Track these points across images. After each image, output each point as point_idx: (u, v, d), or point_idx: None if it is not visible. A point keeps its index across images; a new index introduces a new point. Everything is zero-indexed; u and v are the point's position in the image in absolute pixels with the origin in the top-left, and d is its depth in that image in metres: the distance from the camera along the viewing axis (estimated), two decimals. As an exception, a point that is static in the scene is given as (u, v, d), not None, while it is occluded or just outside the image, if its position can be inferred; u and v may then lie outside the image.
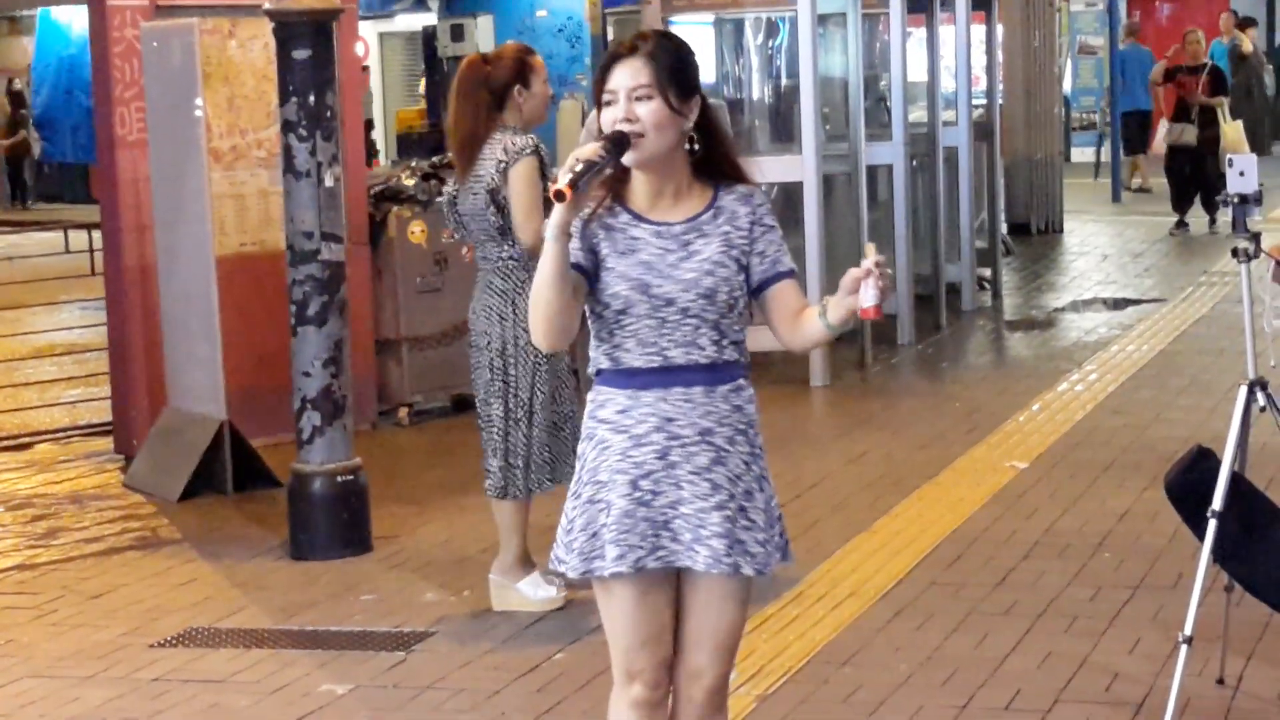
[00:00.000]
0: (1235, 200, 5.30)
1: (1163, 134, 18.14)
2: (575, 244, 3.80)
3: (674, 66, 3.82)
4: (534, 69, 6.56)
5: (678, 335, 3.83)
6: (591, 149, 3.71)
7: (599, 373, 3.92)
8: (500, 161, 6.40)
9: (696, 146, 3.88)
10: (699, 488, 3.85)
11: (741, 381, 3.91)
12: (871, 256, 3.68)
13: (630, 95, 3.79)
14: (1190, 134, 17.67)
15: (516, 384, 6.47)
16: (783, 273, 3.90)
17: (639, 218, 3.87)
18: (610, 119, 3.80)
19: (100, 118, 9.50)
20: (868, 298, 3.67)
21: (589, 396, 3.95)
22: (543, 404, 6.47)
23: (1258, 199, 5.30)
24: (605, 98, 3.82)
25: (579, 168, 3.67)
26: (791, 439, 9.39)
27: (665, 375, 3.84)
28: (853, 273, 3.70)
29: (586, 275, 3.84)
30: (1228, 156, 5.42)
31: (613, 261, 3.82)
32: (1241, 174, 5.30)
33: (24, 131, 29.74)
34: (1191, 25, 20.52)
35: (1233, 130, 16.87)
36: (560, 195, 3.66)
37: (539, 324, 3.81)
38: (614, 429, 3.86)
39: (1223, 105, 17.67)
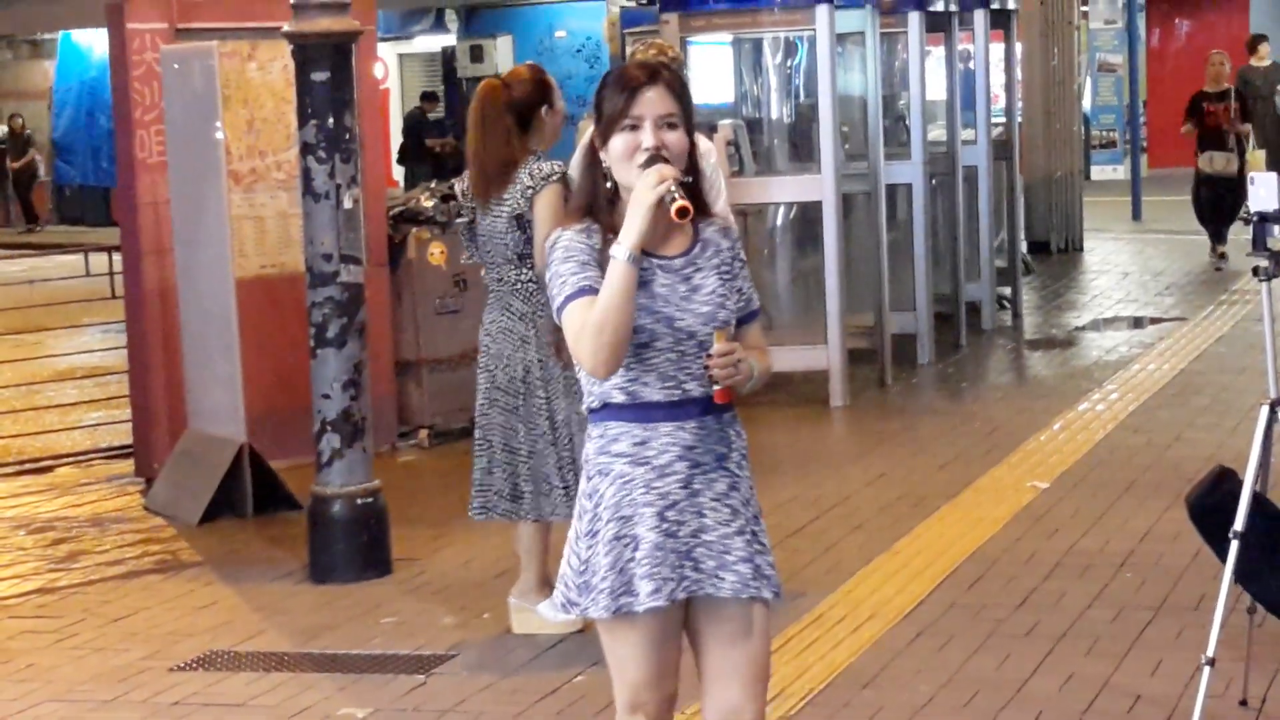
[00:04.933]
0: (1255, 218, 5.29)
1: (1202, 163, 17.32)
2: (596, 274, 3.74)
3: (687, 100, 3.84)
4: (554, 88, 6.61)
5: (694, 368, 3.81)
6: (673, 170, 3.71)
7: (603, 408, 3.84)
8: (528, 188, 6.39)
9: (690, 179, 3.86)
10: (720, 514, 3.83)
11: (735, 409, 3.92)
12: (714, 347, 3.77)
13: (658, 123, 3.78)
14: (1234, 163, 16.90)
15: (548, 405, 6.44)
16: (755, 311, 3.96)
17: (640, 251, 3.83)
18: (634, 143, 3.77)
19: (120, 140, 9.52)
20: (713, 383, 3.80)
21: (592, 434, 3.89)
22: (565, 423, 6.44)
23: (1278, 217, 5.29)
24: (628, 123, 3.78)
25: (671, 187, 3.67)
26: (811, 459, 9.38)
27: (680, 409, 3.81)
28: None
29: None
30: (1250, 175, 5.42)
31: None
32: (1263, 192, 5.29)
33: (32, 151, 29.92)
34: (1212, 45, 20.31)
35: (1256, 159, 16.58)
36: (685, 211, 3.67)
37: (606, 349, 3.69)
38: (633, 461, 3.81)
39: (1248, 133, 17.22)
